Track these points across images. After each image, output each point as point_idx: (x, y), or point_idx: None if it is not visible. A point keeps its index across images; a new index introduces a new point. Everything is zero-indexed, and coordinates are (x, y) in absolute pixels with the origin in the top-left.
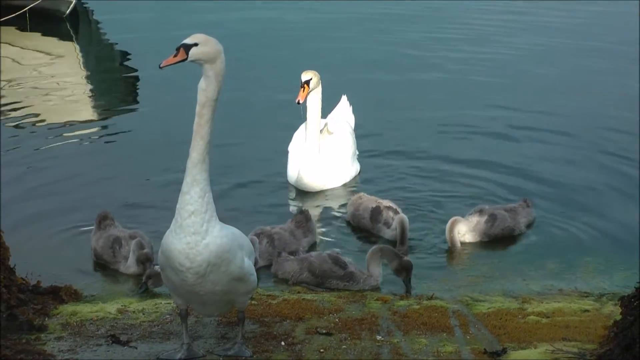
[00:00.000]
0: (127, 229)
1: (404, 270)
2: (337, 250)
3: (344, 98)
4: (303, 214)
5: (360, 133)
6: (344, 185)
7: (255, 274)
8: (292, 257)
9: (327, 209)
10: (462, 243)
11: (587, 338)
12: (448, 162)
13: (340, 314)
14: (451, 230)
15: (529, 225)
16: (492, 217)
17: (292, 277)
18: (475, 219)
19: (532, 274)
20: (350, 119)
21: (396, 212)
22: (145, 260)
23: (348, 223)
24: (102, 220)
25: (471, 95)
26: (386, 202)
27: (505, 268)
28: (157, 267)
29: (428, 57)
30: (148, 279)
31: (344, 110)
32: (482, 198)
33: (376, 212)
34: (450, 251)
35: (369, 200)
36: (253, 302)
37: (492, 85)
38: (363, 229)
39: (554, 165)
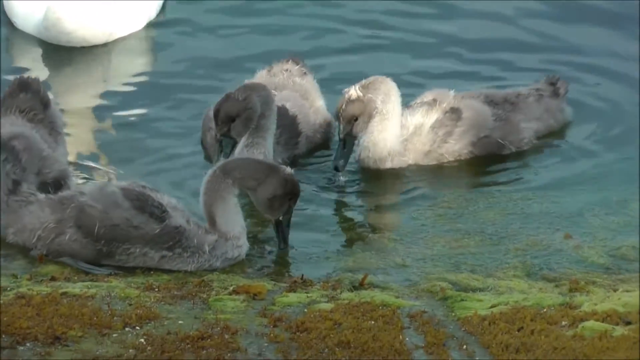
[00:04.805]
0: None
1: (290, 199)
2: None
3: None
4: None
5: None
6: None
7: None
8: (37, 196)
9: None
10: (394, 169)
11: None
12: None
13: (150, 327)
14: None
15: (554, 133)
16: (455, 115)
17: (37, 241)
18: (414, 120)
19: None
20: None
21: None
22: None
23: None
24: None
25: None
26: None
27: (513, 212)
28: None
29: None
30: None
31: None
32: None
33: None
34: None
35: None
36: None
37: None
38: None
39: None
